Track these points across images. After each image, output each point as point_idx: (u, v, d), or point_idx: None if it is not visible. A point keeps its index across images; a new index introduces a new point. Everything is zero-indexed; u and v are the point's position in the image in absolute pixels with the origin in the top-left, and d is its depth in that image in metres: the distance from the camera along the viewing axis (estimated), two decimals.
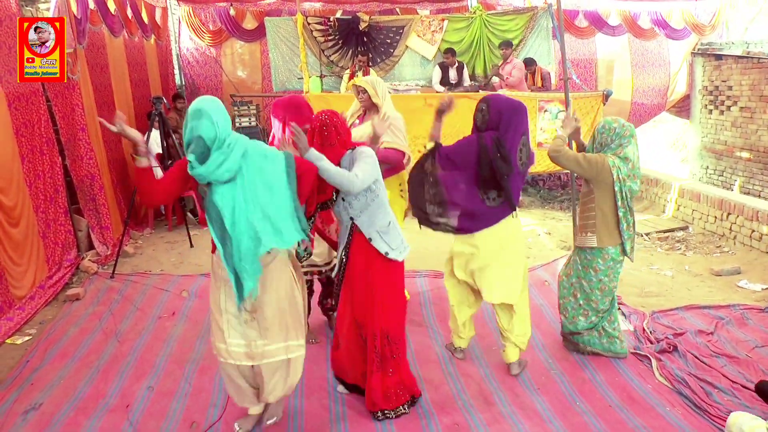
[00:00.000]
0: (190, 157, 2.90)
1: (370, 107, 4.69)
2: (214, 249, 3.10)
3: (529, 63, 9.45)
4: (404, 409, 3.60)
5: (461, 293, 4.18)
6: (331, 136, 3.35)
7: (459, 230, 3.90)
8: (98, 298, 5.49)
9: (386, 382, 3.53)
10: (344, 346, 3.62)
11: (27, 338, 4.73)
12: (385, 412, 3.55)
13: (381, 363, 3.50)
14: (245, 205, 2.97)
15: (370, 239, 3.41)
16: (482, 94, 8.26)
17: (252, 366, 3.29)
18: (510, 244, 3.90)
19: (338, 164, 3.30)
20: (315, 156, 3.10)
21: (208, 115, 2.87)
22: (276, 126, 4.13)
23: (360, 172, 3.20)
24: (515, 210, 3.87)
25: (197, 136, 2.88)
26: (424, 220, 3.94)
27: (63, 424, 3.56)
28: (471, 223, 3.85)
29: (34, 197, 5.53)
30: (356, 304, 3.51)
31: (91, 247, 6.54)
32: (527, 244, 7.10)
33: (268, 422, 3.46)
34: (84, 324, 4.95)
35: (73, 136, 6.38)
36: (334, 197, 3.40)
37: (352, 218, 3.41)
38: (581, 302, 4.21)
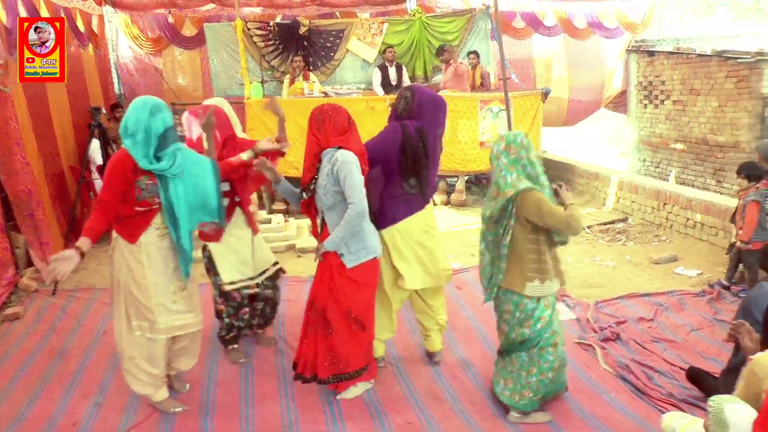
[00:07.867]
0: (147, 150, 3.14)
1: None
2: (134, 239, 3.31)
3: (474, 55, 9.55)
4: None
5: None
6: (326, 125, 3.44)
7: (386, 221, 3.80)
8: (39, 316, 5.33)
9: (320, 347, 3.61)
10: (304, 328, 3.71)
11: None
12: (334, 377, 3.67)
13: (323, 332, 3.59)
14: (187, 196, 3.35)
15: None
16: None
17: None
18: (432, 229, 3.94)
19: (317, 155, 3.47)
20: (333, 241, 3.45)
21: (167, 109, 3.22)
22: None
23: (353, 196, 3.34)
24: (427, 202, 3.89)
25: (170, 127, 3.19)
26: None
27: None
28: (397, 210, 3.77)
29: None
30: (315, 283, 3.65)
31: (30, 264, 6.35)
32: (471, 242, 7.20)
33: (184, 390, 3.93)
34: (25, 343, 4.80)
35: (8, 151, 6.16)
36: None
37: (323, 212, 3.55)
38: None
